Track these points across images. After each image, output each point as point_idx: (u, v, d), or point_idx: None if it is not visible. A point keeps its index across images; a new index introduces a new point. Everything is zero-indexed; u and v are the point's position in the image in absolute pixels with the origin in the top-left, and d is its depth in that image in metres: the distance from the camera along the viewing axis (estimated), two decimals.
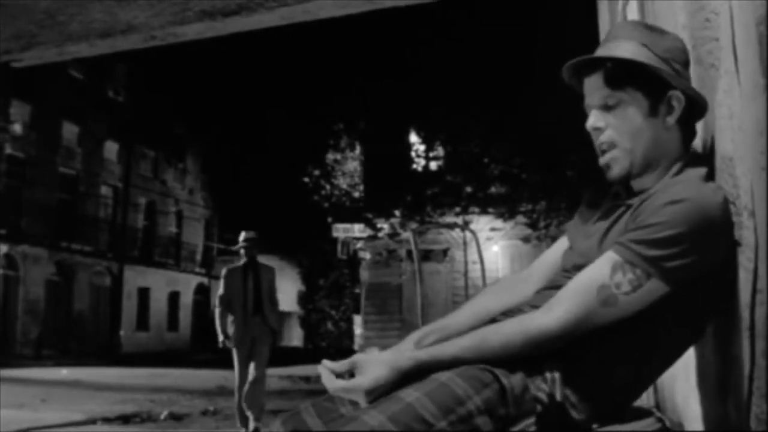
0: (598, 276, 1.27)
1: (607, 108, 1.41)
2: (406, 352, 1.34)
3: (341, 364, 1.30)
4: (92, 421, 7.10)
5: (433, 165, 19.89)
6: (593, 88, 1.43)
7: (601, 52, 1.44)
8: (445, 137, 19.57)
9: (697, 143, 1.54)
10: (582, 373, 1.29)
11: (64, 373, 15.12)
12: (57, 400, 9.24)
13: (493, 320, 1.46)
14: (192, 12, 3.29)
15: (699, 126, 1.55)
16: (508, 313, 1.46)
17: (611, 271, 1.26)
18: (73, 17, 3.54)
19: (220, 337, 6.47)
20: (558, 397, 1.25)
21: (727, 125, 1.29)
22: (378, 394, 1.23)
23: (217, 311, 6.51)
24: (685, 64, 1.43)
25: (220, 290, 6.54)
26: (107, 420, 7.18)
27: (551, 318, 1.27)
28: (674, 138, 1.41)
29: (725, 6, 1.25)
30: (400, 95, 17.68)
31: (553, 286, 1.43)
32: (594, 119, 1.43)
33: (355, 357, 1.29)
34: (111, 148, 27.41)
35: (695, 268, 1.26)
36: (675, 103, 1.37)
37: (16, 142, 22.36)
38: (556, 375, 1.26)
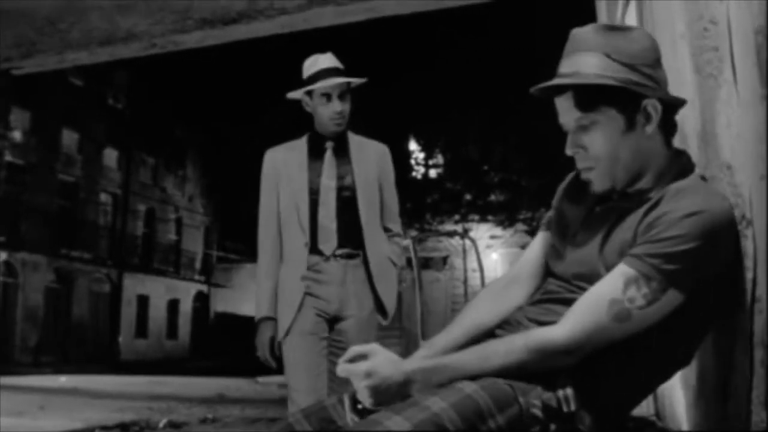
0: (609, 290, 1.25)
1: (582, 128, 1.35)
2: (411, 359, 1.36)
3: (356, 351, 1.34)
4: (90, 429, 7.06)
5: (433, 173, 19.92)
6: (564, 109, 1.37)
7: (567, 67, 1.36)
8: (445, 145, 19.61)
9: (695, 151, 1.54)
10: (592, 388, 1.28)
11: (62, 380, 15.09)
12: (55, 407, 9.21)
13: (492, 334, 1.45)
14: (192, 20, 3.31)
15: (695, 134, 1.56)
16: (505, 326, 1.45)
17: (624, 285, 1.23)
18: (74, 25, 3.55)
19: (265, 334, 2.78)
20: (572, 410, 1.25)
21: (726, 134, 1.30)
22: (375, 383, 1.26)
23: (261, 263, 2.85)
24: (656, 62, 1.36)
25: (262, 206, 2.88)
26: (105, 428, 7.15)
27: (560, 333, 1.25)
28: (657, 142, 1.36)
29: (723, 16, 1.26)
30: (398, 103, 17.74)
31: (551, 298, 1.41)
32: (571, 147, 1.39)
33: (370, 346, 1.33)
34: (111, 155, 27.43)
35: (709, 279, 1.25)
36: (651, 111, 1.32)
37: (16, 149, 22.38)
38: (569, 392, 1.25)
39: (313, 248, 2.79)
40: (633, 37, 1.34)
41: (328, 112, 2.80)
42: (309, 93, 2.83)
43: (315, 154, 2.87)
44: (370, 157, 2.92)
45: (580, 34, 1.37)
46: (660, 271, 1.22)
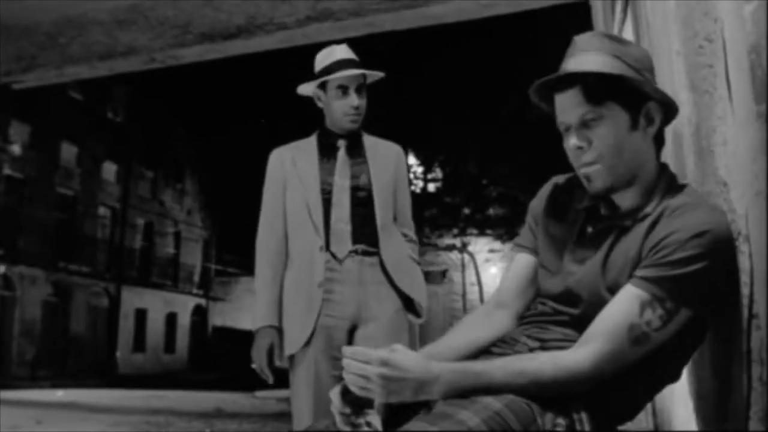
0: (627, 315, 1.26)
1: (586, 125, 1.35)
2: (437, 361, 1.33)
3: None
4: None
5: (431, 187, 19.94)
6: (569, 104, 1.36)
7: (574, 65, 1.37)
8: (443, 159, 19.65)
9: (691, 167, 1.55)
10: (602, 408, 1.30)
11: (59, 394, 15.01)
12: (53, 422, 9.16)
13: (487, 351, 1.45)
14: (192, 35, 3.32)
15: (691, 151, 1.56)
16: (500, 344, 1.45)
17: (640, 309, 1.25)
18: (74, 39, 3.57)
19: (264, 342, 2.54)
20: (585, 430, 1.26)
21: (722, 151, 1.31)
22: (391, 374, 1.19)
23: (262, 267, 2.59)
24: (653, 70, 1.42)
25: (265, 207, 2.67)
26: None
27: (586, 361, 1.26)
28: (651, 150, 1.39)
29: (718, 34, 1.27)
30: (396, 117, 17.79)
31: (549, 320, 1.41)
32: (576, 139, 1.36)
33: (393, 346, 1.25)
34: (109, 169, 27.46)
35: (717, 292, 1.28)
36: (654, 114, 1.37)
37: (15, 163, 22.40)
38: (583, 415, 1.27)
39: (325, 245, 2.53)
40: (633, 45, 1.41)
41: (344, 107, 2.57)
42: (323, 86, 2.60)
43: (326, 152, 2.63)
44: (386, 157, 2.69)
45: (587, 38, 1.40)
46: (673, 292, 1.24)
